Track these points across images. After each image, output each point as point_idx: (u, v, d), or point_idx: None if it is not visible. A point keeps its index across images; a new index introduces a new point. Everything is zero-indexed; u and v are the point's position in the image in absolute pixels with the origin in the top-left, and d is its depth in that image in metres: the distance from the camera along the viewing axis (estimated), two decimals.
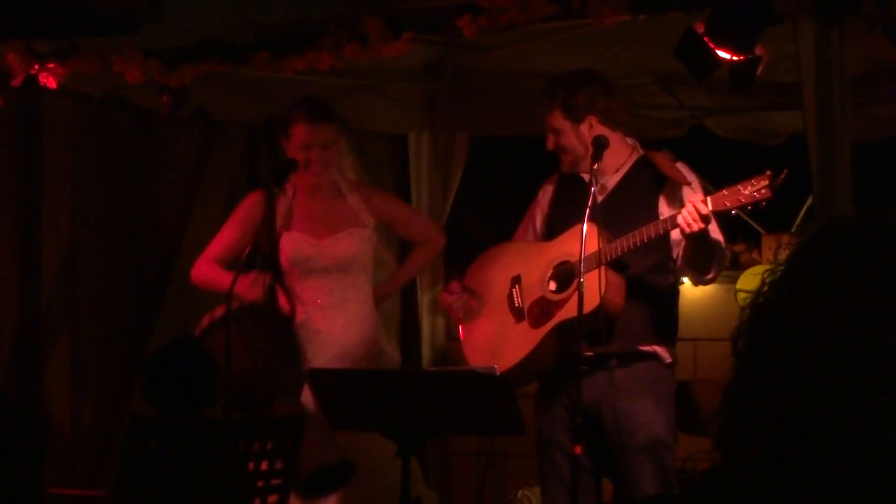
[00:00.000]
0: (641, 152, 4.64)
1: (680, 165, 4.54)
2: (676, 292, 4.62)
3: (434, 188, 6.61)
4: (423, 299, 6.57)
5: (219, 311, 4.85)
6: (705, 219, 4.17)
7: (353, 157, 6.17)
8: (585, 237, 4.27)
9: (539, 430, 4.62)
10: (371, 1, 5.05)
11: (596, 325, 4.32)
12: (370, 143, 6.69)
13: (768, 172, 4.11)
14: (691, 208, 4.16)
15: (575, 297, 4.30)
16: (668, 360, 4.53)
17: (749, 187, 4.12)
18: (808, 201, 5.57)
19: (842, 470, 1.23)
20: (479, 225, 6.53)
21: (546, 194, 4.80)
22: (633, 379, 4.48)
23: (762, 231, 6.40)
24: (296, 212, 5.16)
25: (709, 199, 4.18)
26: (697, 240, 4.28)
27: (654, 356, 4.50)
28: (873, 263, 1.26)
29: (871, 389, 1.23)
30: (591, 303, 4.31)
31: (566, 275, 4.46)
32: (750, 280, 5.91)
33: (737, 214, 4.57)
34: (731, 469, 1.29)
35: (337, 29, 5.07)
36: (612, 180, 4.60)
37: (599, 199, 4.50)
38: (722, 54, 4.42)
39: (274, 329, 4.88)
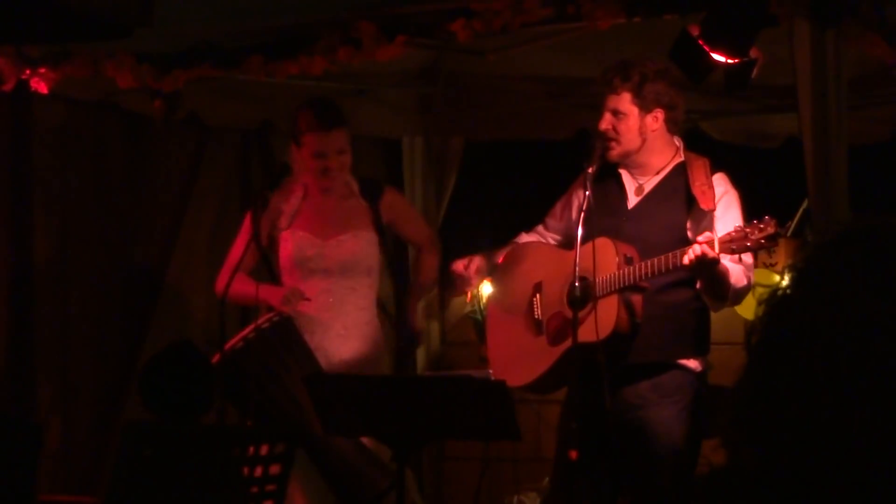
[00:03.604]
0: (682, 158, 4.47)
1: (718, 178, 4.38)
2: (704, 303, 4.45)
3: (428, 193, 6.59)
4: (419, 304, 6.54)
5: (261, 320, 4.80)
6: (711, 262, 4.10)
7: None
8: (605, 252, 4.29)
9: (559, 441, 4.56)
10: (364, 5, 5.04)
11: (613, 347, 4.31)
12: (364, 147, 6.65)
13: (770, 219, 4.03)
14: (698, 251, 4.08)
15: (590, 320, 4.28)
16: (697, 369, 4.44)
17: (757, 232, 4.02)
18: (804, 204, 5.55)
19: (842, 477, 1.21)
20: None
21: (583, 186, 4.50)
22: (657, 389, 4.40)
23: None
24: (305, 211, 5.02)
25: (716, 241, 4.06)
26: (707, 275, 4.22)
27: (678, 366, 4.42)
28: (894, 273, 1.24)
29: (881, 398, 1.21)
30: (605, 329, 4.28)
31: (584, 293, 4.32)
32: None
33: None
34: (732, 471, 1.28)
35: (330, 33, 5.06)
36: (649, 183, 4.48)
37: (636, 199, 4.46)
38: (717, 57, 4.41)
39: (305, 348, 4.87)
